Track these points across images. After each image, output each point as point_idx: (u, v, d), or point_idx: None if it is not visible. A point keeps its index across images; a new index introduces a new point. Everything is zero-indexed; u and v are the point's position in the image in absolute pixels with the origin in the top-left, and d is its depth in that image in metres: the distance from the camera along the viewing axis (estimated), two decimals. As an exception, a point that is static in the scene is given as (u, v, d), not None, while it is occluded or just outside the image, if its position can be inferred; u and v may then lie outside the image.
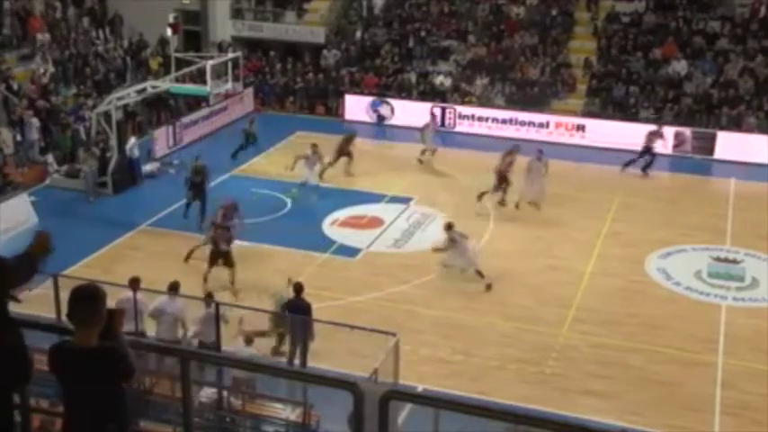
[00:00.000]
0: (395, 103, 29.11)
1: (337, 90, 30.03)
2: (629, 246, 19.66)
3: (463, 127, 28.27)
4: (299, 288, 14.20)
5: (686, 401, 13.93)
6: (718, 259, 19.23)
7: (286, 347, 14.31)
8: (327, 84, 30.37)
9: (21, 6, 28.11)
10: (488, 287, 17.34)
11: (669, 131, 25.56)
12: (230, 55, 26.49)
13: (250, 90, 29.96)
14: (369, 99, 29.33)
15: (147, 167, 23.89)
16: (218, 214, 17.24)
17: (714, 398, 14.02)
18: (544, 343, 15.58)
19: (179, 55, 26.18)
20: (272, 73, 31.18)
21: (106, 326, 4.25)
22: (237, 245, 17.50)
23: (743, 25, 28.65)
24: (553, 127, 27.52)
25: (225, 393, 11.77)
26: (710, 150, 26.15)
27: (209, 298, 13.95)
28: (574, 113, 27.93)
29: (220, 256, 16.85)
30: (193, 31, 32.07)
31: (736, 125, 26.53)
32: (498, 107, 28.62)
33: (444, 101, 28.88)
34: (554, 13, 30.58)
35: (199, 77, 24.41)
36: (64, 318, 4.35)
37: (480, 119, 28.28)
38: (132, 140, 23.42)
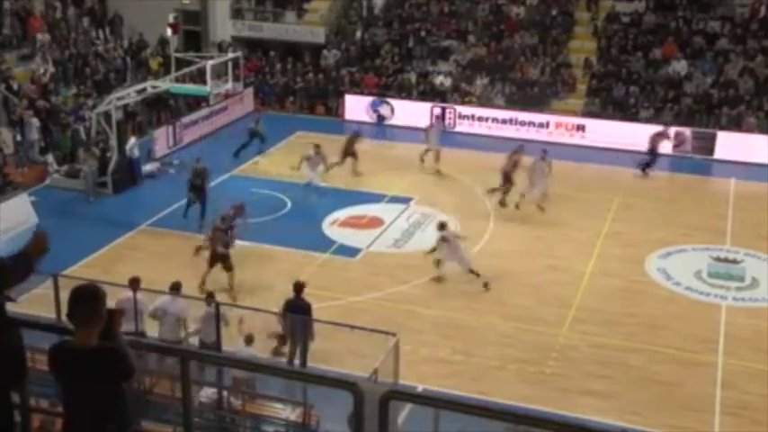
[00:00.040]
0: (395, 103, 29.10)
1: (337, 90, 30.03)
2: (629, 246, 19.66)
3: (463, 127, 28.25)
4: (299, 288, 14.21)
5: (686, 401, 13.93)
6: (718, 259, 19.23)
7: (287, 348, 14.31)
8: (327, 84, 30.37)
9: (21, 6, 28.11)
10: (486, 285, 17.34)
11: (669, 131, 25.57)
12: (230, 55, 26.49)
13: (250, 90, 29.96)
14: (369, 99, 29.33)
15: (147, 167, 23.90)
16: (227, 214, 17.24)
17: (714, 398, 14.02)
18: (544, 343, 15.58)
19: (179, 55, 26.19)
20: (272, 73, 31.18)
21: (106, 326, 4.25)
22: (238, 245, 17.51)
23: (743, 25, 28.66)
24: (553, 127, 27.52)
25: (225, 393, 11.77)
26: (710, 150, 26.15)
27: (209, 297, 13.96)
28: (574, 113, 27.93)
29: (219, 260, 16.84)
30: (193, 31, 32.08)
31: (736, 125, 26.53)
32: (498, 107, 28.62)
33: (444, 101, 28.88)
34: (554, 13, 30.58)
35: (199, 77, 24.40)
36: (64, 318, 4.35)
37: (480, 119, 28.27)
38: (132, 140, 23.42)
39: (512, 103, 28.68)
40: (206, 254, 17.21)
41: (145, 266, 16.81)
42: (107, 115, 22.76)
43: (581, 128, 27.30)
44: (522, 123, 27.75)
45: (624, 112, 27.53)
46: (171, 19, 27.44)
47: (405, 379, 12.58)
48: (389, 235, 20.20)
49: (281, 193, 22.11)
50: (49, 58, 26.86)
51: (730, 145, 25.89)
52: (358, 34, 31.72)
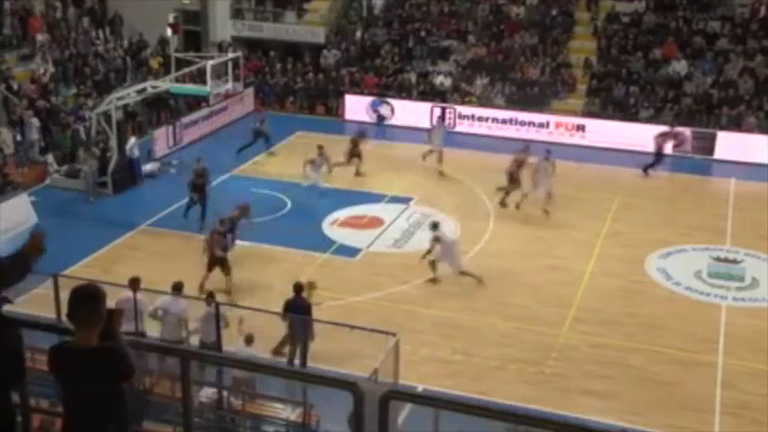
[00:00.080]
0: (395, 103, 29.10)
1: (337, 90, 30.02)
2: (629, 246, 19.66)
3: (463, 127, 28.24)
4: (299, 288, 14.23)
5: (686, 401, 13.93)
6: (718, 259, 19.23)
7: (287, 348, 14.32)
8: (327, 84, 30.37)
9: (21, 6, 28.12)
10: (479, 281, 17.35)
11: (678, 131, 25.54)
12: (230, 55, 26.49)
13: (250, 90, 29.96)
14: (369, 99, 29.33)
15: (147, 167, 23.89)
16: (232, 214, 17.23)
17: (714, 398, 14.02)
18: (544, 343, 15.58)
19: (179, 55, 26.18)
20: (272, 73, 31.18)
21: (106, 326, 4.25)
22: (238, 245, 17.51)
23: (743, 25, 28.66)
24: (553, 127, 27.51)
25: (225, 393, 11.78)
26: (710, 150, 26.14)
27: (209, 297, 13.97)
28: (574, 113, 27.93)
29: (216, 263, 16.83)
30: (193, 31, 32.08)
31: (736, 125, 26.53)
32: (498, 107, 28.61)
33: (444, 101, 28.87)
34: (554, 13, 30.58)
35: (199, 77, 24.40)
36: (64, 318, 4.35)
37: (480, 119, 28.27)
38: (132, 140, 23.42)
39: (512, 103, 28.68)
40: (204, 259, 17.19)
41: (145, 266, 16.81)
42: (107, 115, 22.76)
43: (581, 128, 27.29)
44: (522, 123, 27.74)
45: (624, 112, 27.53)
46: (171, 19, 27.43)
47: (405, 379, 12.58)
48: (389, 235, 20.20)
49: (281, 193, 22.11)
50: (49, 58, 26.87)
51: (730, 145, 25.88)
52: (358, 34, 31.72)
